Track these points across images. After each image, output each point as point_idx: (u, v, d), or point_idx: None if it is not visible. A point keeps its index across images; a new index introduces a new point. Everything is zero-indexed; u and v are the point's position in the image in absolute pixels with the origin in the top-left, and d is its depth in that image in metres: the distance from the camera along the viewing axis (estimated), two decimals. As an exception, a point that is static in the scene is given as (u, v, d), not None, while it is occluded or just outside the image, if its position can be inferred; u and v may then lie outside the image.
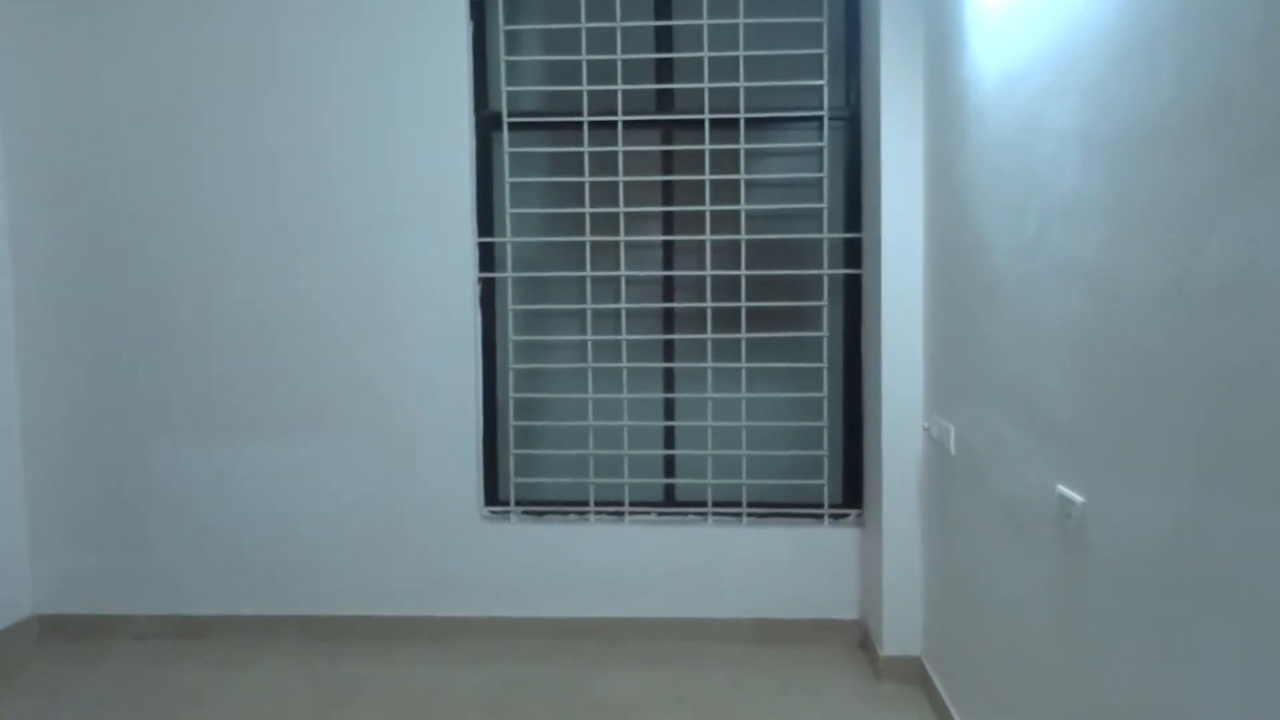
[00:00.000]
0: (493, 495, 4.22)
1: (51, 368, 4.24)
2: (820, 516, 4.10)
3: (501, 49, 4.11)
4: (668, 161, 4.12)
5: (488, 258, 4.15)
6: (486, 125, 4.12)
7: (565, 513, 4.19)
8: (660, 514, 4.16)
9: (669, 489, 4.22)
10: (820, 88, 4.02)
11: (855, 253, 4.05)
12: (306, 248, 4.11)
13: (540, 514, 4.19)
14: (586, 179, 4.11)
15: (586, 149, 4.10)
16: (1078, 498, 2.16)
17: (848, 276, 4.07)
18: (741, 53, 4.01)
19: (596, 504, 4.19)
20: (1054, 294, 2.31)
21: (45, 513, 4.29)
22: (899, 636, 3.73)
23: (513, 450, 4.22)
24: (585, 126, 4.09)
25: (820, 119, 4.04)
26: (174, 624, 4.27)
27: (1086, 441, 2.13)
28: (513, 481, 4.22)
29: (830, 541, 4.08)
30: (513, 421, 4.22)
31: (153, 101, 4.12)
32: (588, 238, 4.12)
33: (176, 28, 4.08)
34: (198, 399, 4.19)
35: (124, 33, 4.10)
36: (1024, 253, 2.51)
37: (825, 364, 4.12)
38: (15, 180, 4.18)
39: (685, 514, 4.15)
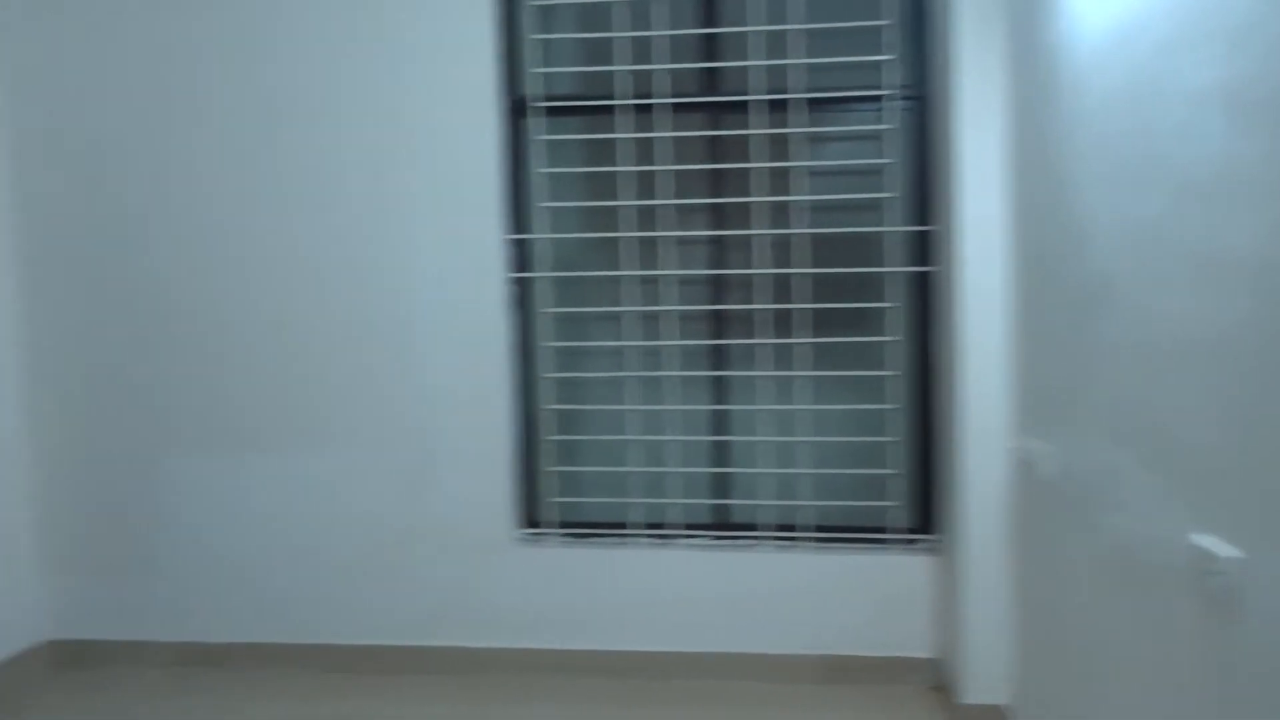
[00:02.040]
0: (526, 515, 3.86)
1: (60, 387, 3.97)
2: (888, 542, 3.68)
3: (532, 27, 3.74)
4: (715, 148, 3.72)
5: (519, 256, 3.79)
6: (515, 111, 3.76)
7: (606, 535, 3.82)
8: (711, 538, 3.76)
9: (720, 510, 3.82)
10: (883, 64, 3.59)
11: (926, 248, 3.62)
12: (317, 250, 3.79)
13: (578, 536, 3.82)
14: (626, 168, 3.73)
15: (626, 135, 3.72)
16: (1226, 551, 1.72)
17: (918, 274, 3.64)
18: (796, 26, 3.60)
19: (639, 526, 3.81)
20: (1186, 291, 1.87)
21: (56, 536, 4.03)
22: (982, 682, 3.30)
23: (549, 467, 3.85)
24: (624, 111, 3.71)
25: (883, 99, 3.61)
26: (186, 651, 3.99)
27: (1234, 481, 1.70)
28: (549, 501, 3.86)
29: (900, 570, 3.65)
30: (549, 435, 3.85)
31: (160, 104, 3.82)
32: (628, 233, 3.74)
33: (182, 18, 3.78)
34: (206, 415, 3.90)
35: (131, 26, 3.82)
36: (1142, 242, 2.07)
37: (894, 373, 3.68)
38: (26, 197, 3.92)
39: (738, 538, 3.75)
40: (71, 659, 4.04)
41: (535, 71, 3.76)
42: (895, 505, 3.71)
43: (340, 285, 3.80)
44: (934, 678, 3.64)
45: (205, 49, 3.79)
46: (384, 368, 3.80)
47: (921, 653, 3.66)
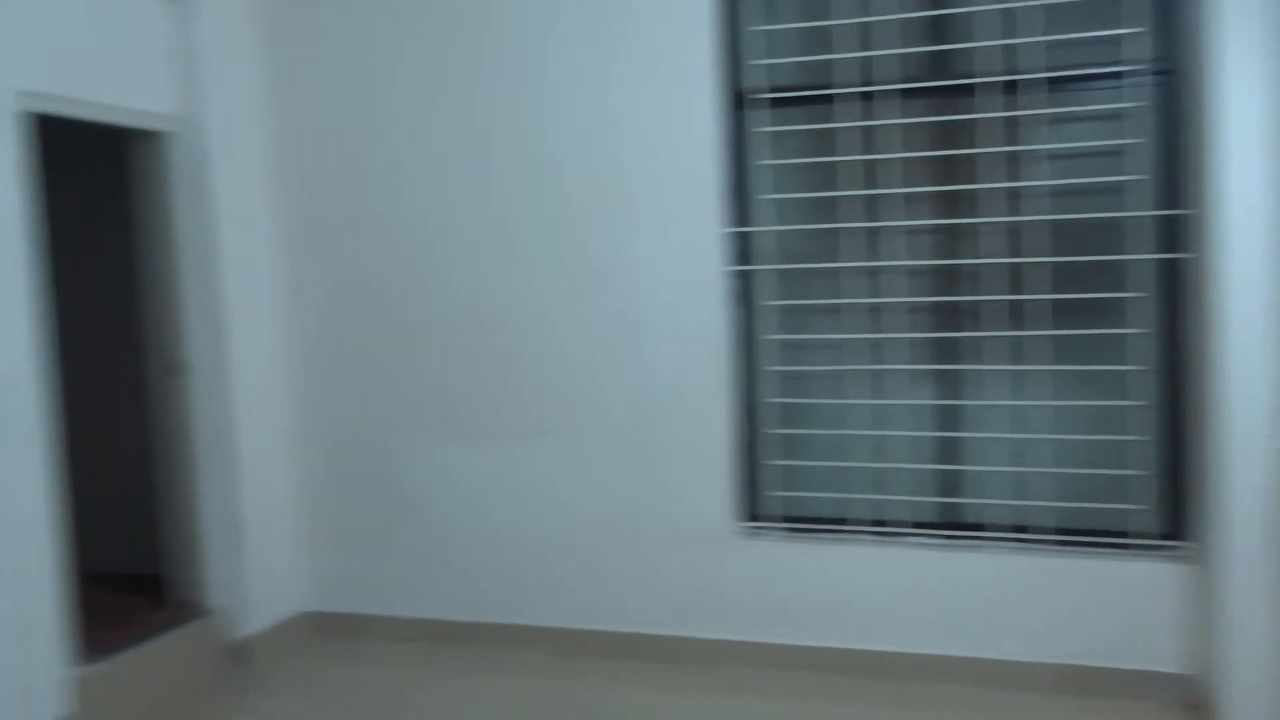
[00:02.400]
0: (747, 509, 3.86)
1: (319, 377, 4.31)
2: (1133, 547, 3.45)
3: (752, 19, 3.73)
4: (943, 134, 3.60)
5: (740, 249, 3.80)
6: (735, 104, 3.77)
7: (827, 531, 3.77)
8: (938, 536, 3.65)
9: (948, 508, 3.70)
10: (1128, 38, 3.37)
11: (1175, 233, 3.37)
12: (539, 243, 3.95)
13: (800, 531, 3.80)
14: (850, 158, 3.67)
15: (851, 124, 3.66)
16: None
17: (1166, 261, 3.40)
18: (1031, 3, 3.43)
19: (863, 522, 3.75)
20: None
21: (314, 515, 4.37)
22: (1246, 702, 3.05)
23: (770, 461, 3.85)
24: (846, 99, 3.65)
25: (1128, 75, 3.38)
26: (427, 627, 4.23)
27: None
28: (770, 495, 3.85)
29: (1146, 577, 3.42)
30: (770, 429, 3.85)
31: (399, 100, 4.08)
32: (852, 224, 3.68)
33: (434, 24, 4.01)
34: (446, 402, 4.13)
35: (386, 29, 4.09)
36: None
37: (1140, 367, 3.45)
38: (287, 194, 4.28)
39: (968, 538, 3.62)
40: (326, 629, 4.37)
41: (755, 63, 3.75)
42: (1141, 509, 3.48)
43: (566, 279, 3.93)
44: (1186, 695, 3.39)
45: (448, 53, 4.01)
46: (607, 360, 3.91)
47: (1171, 667, 3.42)
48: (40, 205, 3.48)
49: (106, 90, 3.62)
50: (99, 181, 4.44)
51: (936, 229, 3.65)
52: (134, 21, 3.73)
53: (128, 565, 4.38)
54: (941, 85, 3.58)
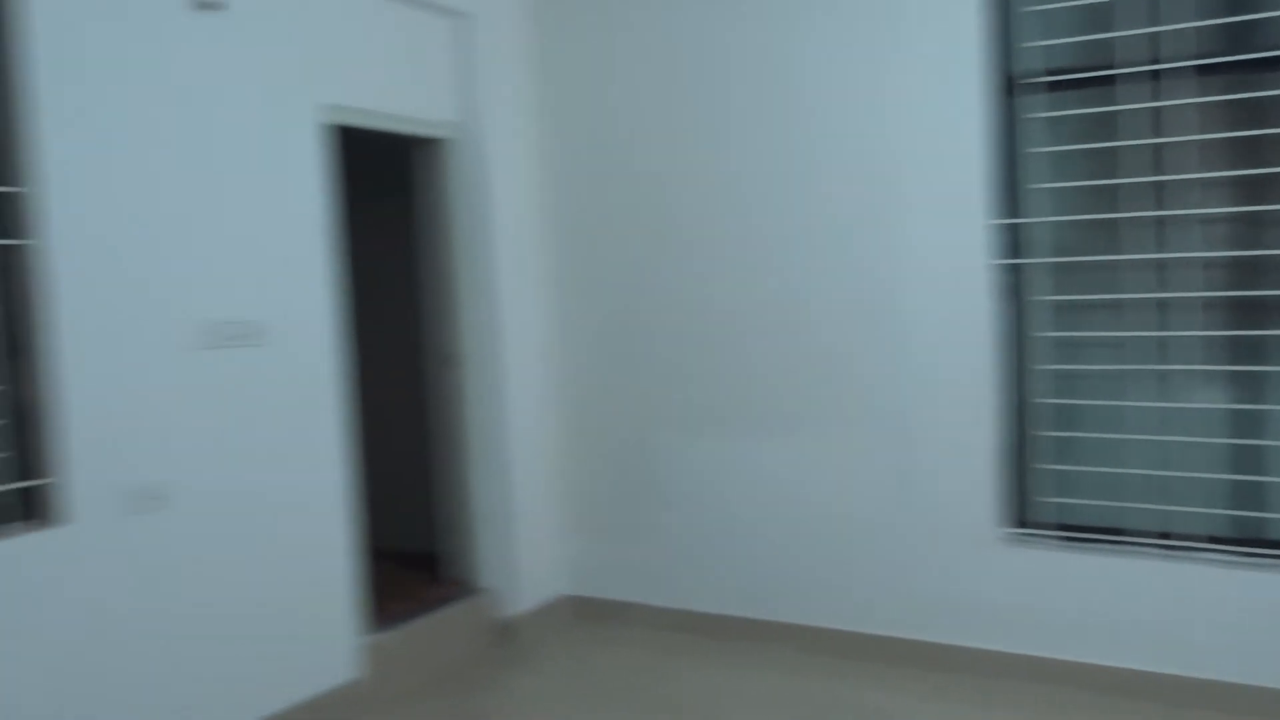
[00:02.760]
0: (1014, 514, 3.68)
1: (580, 367, 4.49)
2: None
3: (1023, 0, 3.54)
4: (1239, 113, 3.28)
5: (1009, 241, 3.61)
6: (1005, 89, 3.58)
7: (1105, 541, 3.52)
8: (1235, 553, 3.33)
9: (1246, 523, 3.37)
10: None
11: None
12: (798, 237, 3.92)
13: (1073, 540, 3.57)
14: (1132, 142, 3.41)
15: (1134, 106, 3.39)
16: None
17: None
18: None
19: (1145, 534, 3.48)
20: None
21: (574, 501, 4.55)
22: None
23: (1041, 464, 3.65)
24: (1133, 80, 3.39)
25: None
26: (679, 617, 4.31)
27: None
28: (1040, 501, 3.65)
29: None
30: (1041, 431, 3.64)
31: (663, 102, 4.17)
32: (1135, 213, 3.42)
33: (704, 22, 4.08)
34: (702, 397, 4.18)
35: (649, 29, 4.20)
36: None
37: None
38: (555, 195, 4.47)
39: (1268, 556, 3.29)
40: (585, 613, 4.55)
41: (1028, 45, 3.55)
42: None
43: (826, 273, 3.88)
44: None
45: (712, 55, 4.06)
46: (865, 355, 3.83)
47: None
48: (339, 209, 3.80)
49: (395, 101, 3.91)
50: (386, 187, 4.81)
51: (1233, 217, 3.32)
52: (419, 36, 4.02)
53: (408, 544, 4.73)
54: (1240, 60, 3.25)
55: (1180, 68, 3.32)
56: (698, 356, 4.18)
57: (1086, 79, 3.48)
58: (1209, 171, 3.32)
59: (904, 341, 3.75)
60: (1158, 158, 3.39)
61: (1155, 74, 3.36)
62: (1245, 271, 3.32)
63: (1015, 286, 3.64)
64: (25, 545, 2.72)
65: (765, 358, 4.03)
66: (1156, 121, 3.38)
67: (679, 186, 4.16)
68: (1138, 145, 3.41)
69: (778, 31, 3.89)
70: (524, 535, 4.35)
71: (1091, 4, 3.46)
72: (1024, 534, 3.63)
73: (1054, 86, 3.53)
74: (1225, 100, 3.29)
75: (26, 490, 2.80)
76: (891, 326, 3.77)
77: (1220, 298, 3.36)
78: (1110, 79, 3.43)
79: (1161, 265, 3.43)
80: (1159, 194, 3.40)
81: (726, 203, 4.06)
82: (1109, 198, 3.49)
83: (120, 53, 2.94)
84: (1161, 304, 3.44)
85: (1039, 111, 3.56)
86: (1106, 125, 3.47)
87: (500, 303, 4.25)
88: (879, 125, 3.74)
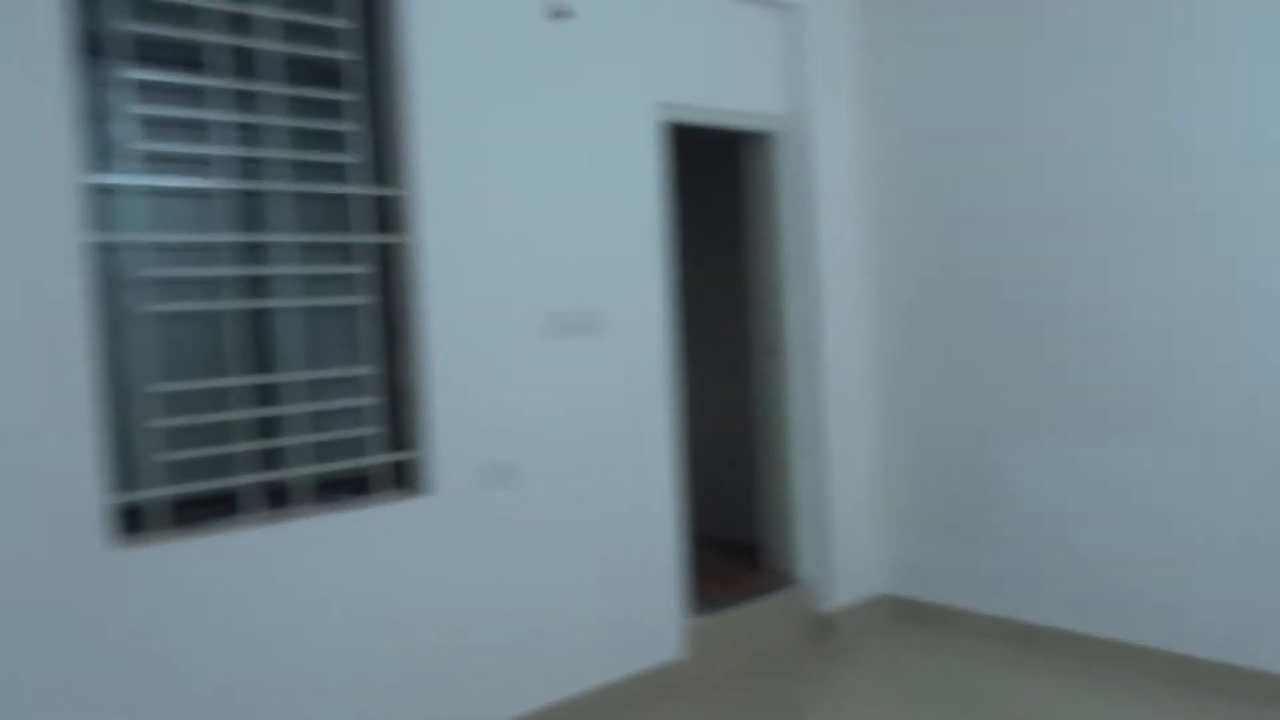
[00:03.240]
0: None
1: (902, 364, 4.37)
2: None
3: None
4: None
5: None
6: None
7: None
8: None
9: None
10: None
11: None
12: (1156, 231, 3.56)
13: None
14: None
15: None
16: None
17: None
18: None
19: None
20: None
21: (895, 498, 4.44)
22: None
23: None
24: None
25: None
26: (1008, 626, 4.08)
27: None
28: None
29: None
30: None
31: (997, 90, 3.95)
32: None
33: (1037, 20, 3.84)
34: (1048, 394, 3.91)
35: (988, 15, 4.00)
36: None
37: None
38: (880, 187, 4.38)
39: None
40: (903, 614, 4.42)
41: None
42: None
43: (1186, 266, 3.52)
44: None
45: (1052, 38, 3.80)
46: (1240, 362, 3.43)
47: None
48: (672, 205, 3.92)
49: (726, 97, 3.98)
50: (711, 181, 4.90)
51: None
52: (750, 31, 4.06)
53: (729, 532, 4.81)
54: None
55: None
56: (1037, 355, 3.92)
57: None
58: None
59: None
60: None
61: None
62: None
63: None
64: (395, 511, 3.02)
65: (1118, 360, 3.71)
66: None
67: (1017, 179, 3.92)
68: None
69: (1126, 12, 3.57)
70: (843, 530, 4.30)
71: None
72: None
73: None
74: None
75: (397, 462, 3.11)
76: (1267, 330, 3.35)
77: None
78: None
79: None
80: None
81: (1072, 191, 3.78)
82: None
83: (486, 63, 3.20)
84: None
85: None
86: None
87: (823, 295, 4.22)
88: (1245, 110, 3.33)
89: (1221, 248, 3.44)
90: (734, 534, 4.76)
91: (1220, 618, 3.53)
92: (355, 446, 3.04)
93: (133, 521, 2.56)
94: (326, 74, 2.99)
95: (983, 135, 4.03)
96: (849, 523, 4.33)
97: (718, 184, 4.77)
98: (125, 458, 2.56)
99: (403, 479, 3.12)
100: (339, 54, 2.95)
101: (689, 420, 4.50)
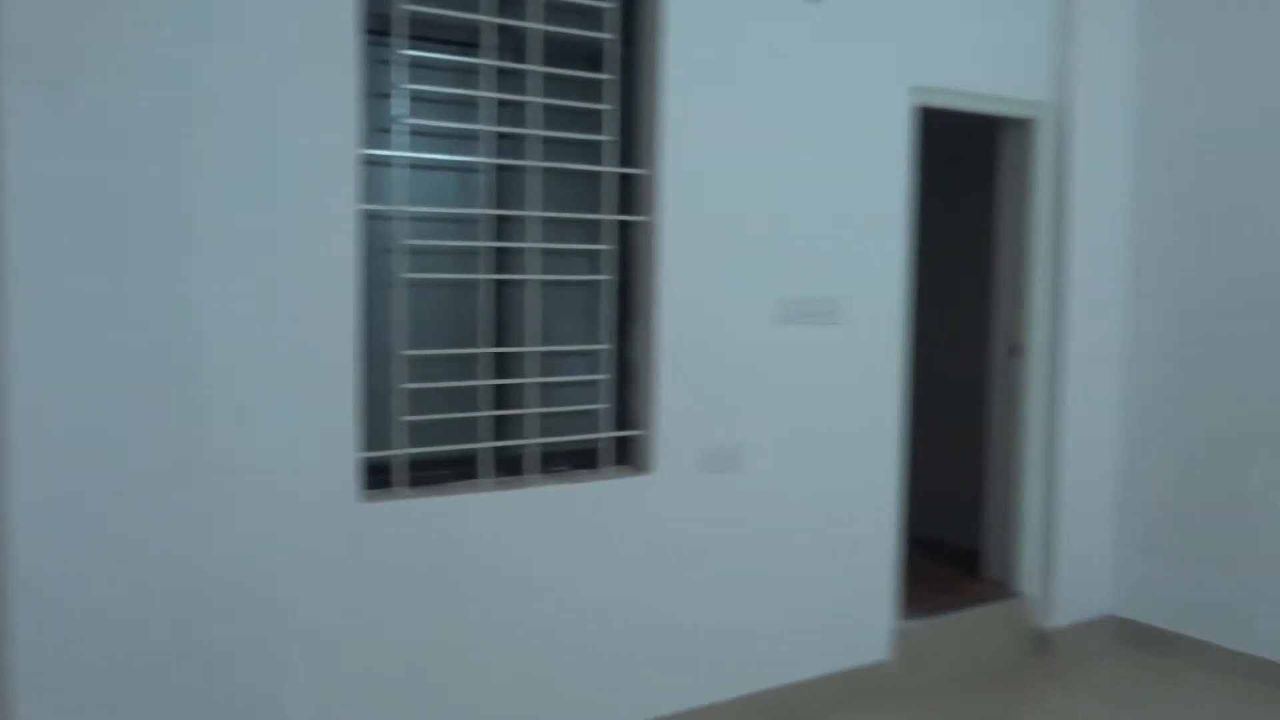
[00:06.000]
0: None
1: (1153, 380, 4.09)
2: None
3: None
4: None
5: None
6: None
7: None
8: None
9: None
10: None
11: None
12: None
13: None
14: None
15: None
16: None
17: None
18: None
19: None
20: None
21: (1135, 517, 4.16)
22: None
23: None
24: None
25: None
26: (1249, 663, 3.77)
27: None
28: None
29: None
30: None
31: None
32: None
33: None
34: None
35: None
36: None
37: None
38: (1147, 181, 4.09)
39: None
40: (1134, 639, 4.14)
41: None
42: None
43: None
44: None
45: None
46: None
47: None
48: (918, 194, 3.77)
49: (985, 81, 3.78)
50: (961, 167, 4.67)
51: None
52: (1010, 10, 3.83)
53: (950, 535, 4.63)
54: None
55: None
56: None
57: None
58: None
59: None
60: None
61: None
62: None
63: None
64: (617, 487, 3.07)
65: None
66: None
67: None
68: None
69: None
70: (1071, 544, 4.06)
71: None
72: None
73: None
74: None
75: (623, 439, 3.16)
76: None
77: None
78: None
79: None
80: None
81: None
82: None
83: (739, 45, 3.17)
84: None
85: None
86: None
87: (1070, 295, 3.97)
88: None
89: None
90: (955, 538, 4.58)
91: None
92: (586, 421, 3.10)
93: (379, 478, 2.72)
94: (587, 54, 3.03)
95: (1268, 137, 3.67)
96: (1080, 537, 4.09)
97: (970, 172, 4.54)
98: (376, 417, 2.71)
99: (627, 456, 3.16)
100: (599, 34, 2.99)
101: (919, 417, 4.33)
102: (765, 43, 3.21)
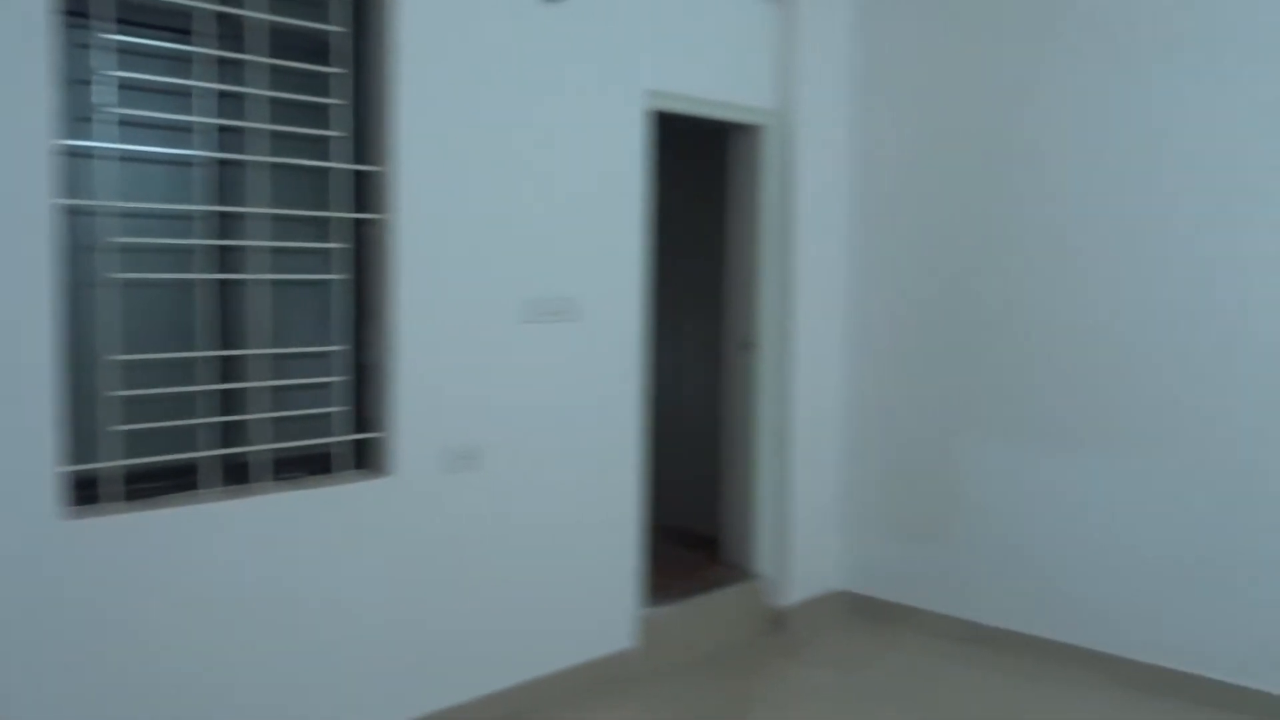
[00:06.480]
0: None
1: (875, 362, 4.41)
2: None
3: None
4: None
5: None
6: None
7: None
8: None
9: None
10: None
11: None
12: (1126, 245, 3.63)
13: None
14: None
15: None
16: None
17: None
18: None
19: None
20: None
21: (858, 498, 4.48)
22: None
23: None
24: None
25: None
26: (962, 627, 4.14)
27: None
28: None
29: None
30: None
31: (990, 96, 4.00)
32: None
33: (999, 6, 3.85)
34: (1013, 403, 3.98)
35: (980, 14, 4.01)
36: None
37: None
38: (863, 187, 4.41)
39: None
40: (860, 611, 4.47)
41: None
42: None
43: (1145, 281, 3.59)
44: None
45: (1048, 49, 3.81)
46: (1203, 373, 3.50)
47: None
48: (661, 195, 3.89)
49: (714, 88, 3.96)
50: (692, 171, 4.87)
51: None
52: (740, 22, 4.03)
53: (691, 523, 4.82)
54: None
55: None
56: (1008, 361, 3.97)
57: None
58: None
59: (1254, 359, 3.39)
60: None
61: None
62: None
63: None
64: (355, 491, 3.00)
65: (1077, 368, 3.78)
66: None
67: (1000, 182, 3.95)
68: None
69: (1117, 37, 3.58)
70: (803, 526, 4.33)
71: None
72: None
73: None
74: None
75: (360, 442, 3.09)
76: (1237, 342, 3.42)
77: None
78: None
79: None
80: None
81: (1052, 202, 3.81)
82: None
83: (474, 43, 3.16)
84: None
85: None
86: None
87: (797, 293, 4.23)
88: (1233, 126, 3.38)
89: (1185, 262, 3.51)
90: (696, 526, 4.78)
91: (1172, 626, 3.62)
92: (319, 424, 3.02)
93: (87, 492, 2.54)
94: (313, 46, 2.94)
95: (969, 140, 4.06)
96: (810, 519, 4.36)
97: (704, 175, 4.74)
98: (82, 426, 2.53)
99: (365, 459, 3.10)
100: (327, 26, 2.91)
101: (659, 411, 4.50)
102: (502, 42, 3.22)
